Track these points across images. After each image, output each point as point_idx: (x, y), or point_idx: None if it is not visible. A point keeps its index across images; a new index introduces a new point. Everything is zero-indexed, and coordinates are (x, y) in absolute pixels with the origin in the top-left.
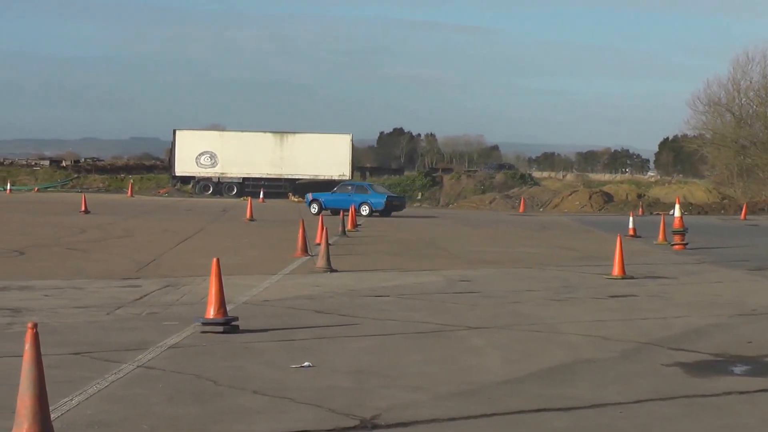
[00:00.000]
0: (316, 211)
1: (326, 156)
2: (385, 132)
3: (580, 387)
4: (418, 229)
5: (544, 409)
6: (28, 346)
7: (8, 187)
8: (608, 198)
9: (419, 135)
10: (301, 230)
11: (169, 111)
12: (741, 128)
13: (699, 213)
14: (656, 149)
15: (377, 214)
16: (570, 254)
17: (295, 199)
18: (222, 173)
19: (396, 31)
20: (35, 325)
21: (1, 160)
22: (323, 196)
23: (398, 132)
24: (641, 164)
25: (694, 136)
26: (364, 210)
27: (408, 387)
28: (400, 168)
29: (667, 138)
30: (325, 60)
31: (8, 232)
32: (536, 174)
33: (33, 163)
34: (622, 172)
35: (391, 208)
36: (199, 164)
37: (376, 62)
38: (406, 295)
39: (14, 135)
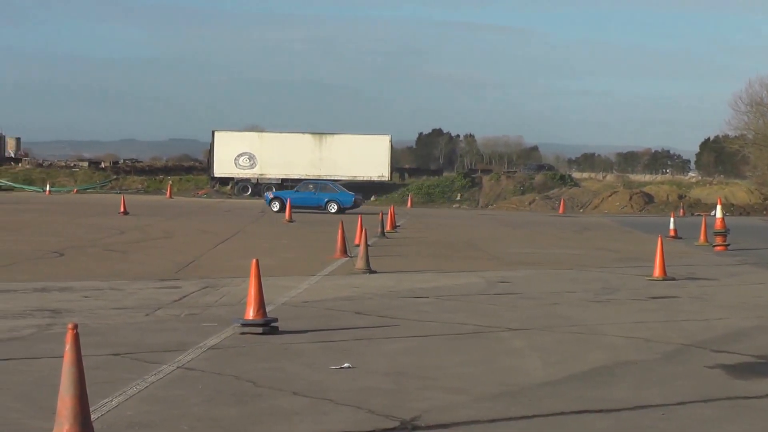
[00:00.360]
0: (278, 208)
1: (365, 157)
2: (424, 133)
3: (621, 389)
4: (458, 230)
5: (585, 411)
6: (68, 347)
7: (47, 188)
8: (649, 199)
9: (458, 136)
10: (340, 231)
11: (207, 112)
12: None
13: (741, 214)
14: (697, 150)
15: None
16: (610, 255)
17: None
18: (261, 174)
19: (434, 31)
20: (76, 326)
21: (41, 162)
22: (286, 194)
23: (437, 133)
24: (682, 165)
25: (736, 136)
26: (332, 208)
27: (448, 388)
28: (439, 169)
29: (708, 138)
30: (364, 61)
31: (48, 233)
32: (576, 175)
33: (72, 165)
34: (663, 173)
35: (353, 205)
36: (238, 165)
37: (414, 63)
38: (445, 297)
39: (53, 136)
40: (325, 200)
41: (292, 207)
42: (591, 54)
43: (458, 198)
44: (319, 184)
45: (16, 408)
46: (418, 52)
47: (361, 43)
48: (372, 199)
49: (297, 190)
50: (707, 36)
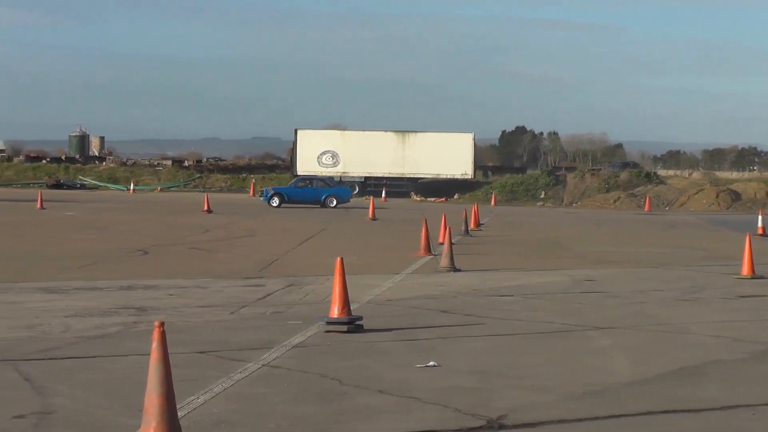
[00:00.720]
0: (277, 204)
1: (448, 155)
2: (507, 130)
3: (709, 388)
4: (542, 228)
5: (674, 411)
6: (155, 345)
7: (131, 186)
8: (736, 196)
9: (541, 133)
10: (424, 229)
11: (290, 111)
12: None
13: None
14: None
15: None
16: (697, 254)
17: (418, 198)
18: (344, 172)
19: (518, 29)
20: (162, 324)
21: (125, 160)
22: (285, 190)
23: (520, 130)
24: None
25: None
26: (332, 202)
27: (533, 387)
28: (522, 166)
29: None
30: (446, 59)
31: (132, 231)
32: (661, 172)
33: (156, 163)
34: (750, 170)
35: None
36: (321, 163)
37: (497, 60)
38: (530, 295)
39: (137, 135)
40: (324, 195)
41: (292, 202)
42: (677, 50)
43: (542, 196)
44: (314, 179)
45: (103, 405)
46: (501, 49)
47: (444, 41)
48: (455, 197)
49: (295, 186)
50: None
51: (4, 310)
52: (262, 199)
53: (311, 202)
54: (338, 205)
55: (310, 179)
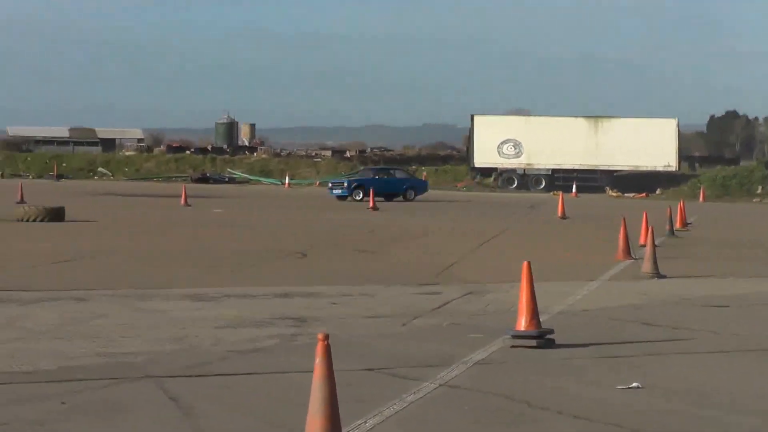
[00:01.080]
0: (361, 197)
1: (648, 144)
2: (716, 115)
3: None
4: (760, 228)
5: None
6: (318, 360)
7: (287, 180)
8: None
9: (756, 118)
10: (622, 230)
11: (466, 95)
12: None
13: None
14: None
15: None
16: None
17: (614, 194)
18: (528, 164)
19: (730, 0)
20: (326, 337)
21: (278, 151)
22: (365, 181)
23: (732, 115)
24: None
25: None
26: (411, 194)
27: (756, 413)
28: (735, 157)
29: None
30: (646, 35)
31: (289, 231)
32: None
33: (313, 154)
34: None
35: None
36: (502, 154)
37: (705, 36)
38: (748, 306)
39: (291, 122)
40: (405, 186)
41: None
42: None
43: (759, 191)
44: (389, 170)
45: (257, 429)
46: (710, 24)
47: (642, 16)
48: (657, 192)
49: (375, 176)
50: None
51: (148, 319)
52: (334, 191)
53: (392, 194)
54: (416, 197)
55: (385, 170)
